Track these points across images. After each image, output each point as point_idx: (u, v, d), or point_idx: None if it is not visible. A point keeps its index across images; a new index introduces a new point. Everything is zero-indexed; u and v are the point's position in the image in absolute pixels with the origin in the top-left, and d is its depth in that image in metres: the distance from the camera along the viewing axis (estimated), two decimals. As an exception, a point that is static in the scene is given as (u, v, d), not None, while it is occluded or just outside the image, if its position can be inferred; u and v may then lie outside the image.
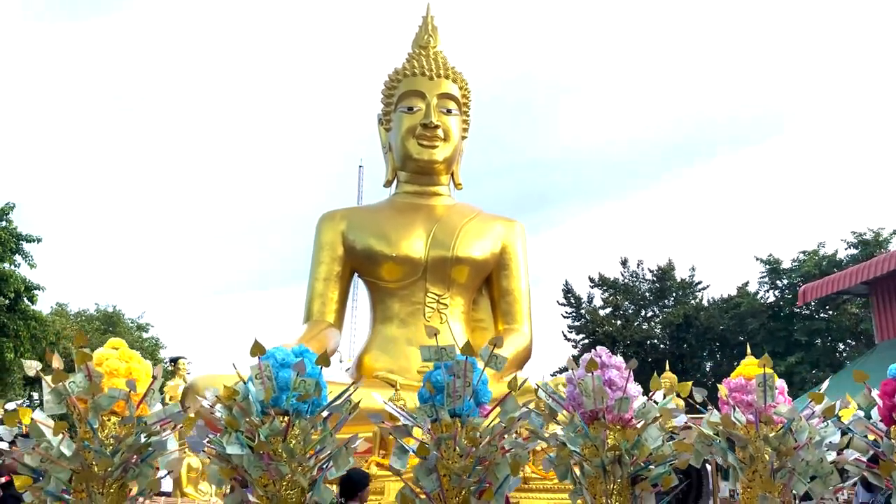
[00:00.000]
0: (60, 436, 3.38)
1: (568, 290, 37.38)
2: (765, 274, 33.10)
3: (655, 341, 35.15)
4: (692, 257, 65.50)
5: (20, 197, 66.26)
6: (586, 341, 35.21)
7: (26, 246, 22.69)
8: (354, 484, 5.17)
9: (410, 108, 14.31)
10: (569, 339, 36.39)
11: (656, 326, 35.86)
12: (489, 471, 3.28)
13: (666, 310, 36.13)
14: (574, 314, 37.05)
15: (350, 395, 3.85)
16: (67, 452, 3.42)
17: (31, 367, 3.44)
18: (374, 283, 14.66)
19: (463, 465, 3.28)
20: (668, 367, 16.37)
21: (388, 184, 15.82)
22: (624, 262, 38.04)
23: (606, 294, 36.97)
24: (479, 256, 14.29)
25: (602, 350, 3.76)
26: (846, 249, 31.08)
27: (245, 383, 3.75)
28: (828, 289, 23.02)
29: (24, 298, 21.03)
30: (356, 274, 14.77)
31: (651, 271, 37.62)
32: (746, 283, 34.39)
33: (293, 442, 3.50)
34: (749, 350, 17.18)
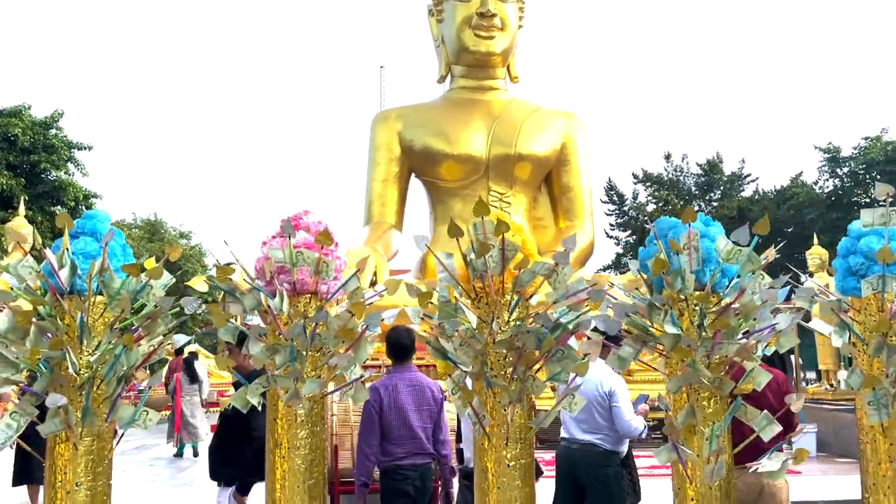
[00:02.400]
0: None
1: (611, 187, 37.12)
2: (823, 162, 32.38)
3: (707, 236, 34.93)
4: (741, 149, 63.72)
5: (65, 104, 66.62)
6: (632, 238, 35.28)
7: (77, 154, 22.76)
8: (402, 346, 4.61)
9: (464, -4, 13.91)
10: (610, 237, 36.56)
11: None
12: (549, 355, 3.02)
13: (713, 203, 35.79)
14: (617, 211, 36.96)
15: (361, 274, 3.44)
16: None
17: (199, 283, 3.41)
18: (433, 183, 14.72)
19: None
20: (815, 240, 15.41)
21: (441, 79, 15.52)
22: (668, 157, 37.53)
23: (651, 190, 36.69)
24: (542, 153, 14.19)
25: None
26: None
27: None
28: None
29: (83, 206, 21.30)
30: (413, 174, 14.80)
31: (699, 165, 37.05)
32: (800, 174, 33.85)
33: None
34: (816, 240, 16.96)
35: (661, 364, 3.12)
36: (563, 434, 4.87)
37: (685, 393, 3.04)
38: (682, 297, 2.97)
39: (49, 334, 3.08)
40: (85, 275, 3.10)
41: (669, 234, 3.14)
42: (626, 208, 36.87)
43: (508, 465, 3.00)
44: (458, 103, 14.58)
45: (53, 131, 22.34)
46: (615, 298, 3.25)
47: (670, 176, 37.06)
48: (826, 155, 32.32)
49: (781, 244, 3.96)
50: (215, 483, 5.82)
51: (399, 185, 14.51)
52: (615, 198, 37.09)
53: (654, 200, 36.32)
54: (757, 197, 35.09)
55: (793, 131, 67.45)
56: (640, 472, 5.11)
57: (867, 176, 30.41)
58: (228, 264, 3.25)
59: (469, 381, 3.22)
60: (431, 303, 3.16)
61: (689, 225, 3.06)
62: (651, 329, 3.08)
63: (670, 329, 2.93)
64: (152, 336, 3.24)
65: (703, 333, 2.94)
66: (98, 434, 3.14)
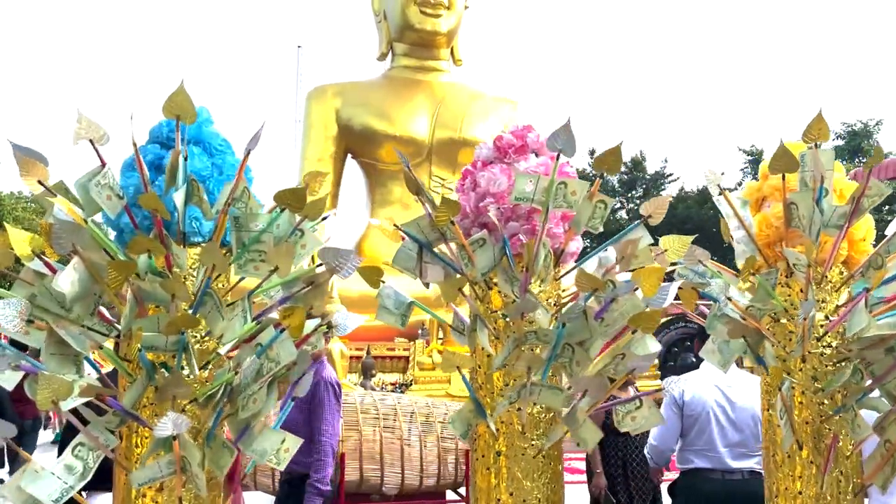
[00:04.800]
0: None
1: (539, 180, 37.69)
2: (746, 164, 33.78)
3: (629, 232, 36.14)
4: (664, 149, 65.94)
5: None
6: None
7: None
8: None
9: (410, -30, 13.61)
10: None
11: (629, 217, 36.64)
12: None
13: (636, 201, 36.99)
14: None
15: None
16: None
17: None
18: (372, 165, 14.37)
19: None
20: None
21: (382, 57, 15.18)
22: (592, 153, 38.43)
23: None
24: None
25: None
26: (833, 140, 31.83)
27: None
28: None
29: None
30: (350, 155, 14.43)
31: (623, 162, 38.21)
32: (723, 174, 35.33)
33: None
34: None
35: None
36: (696, 463, 3.76)
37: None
38: None
39: (160, 306, 2.02)
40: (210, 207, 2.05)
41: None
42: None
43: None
44: (400, 83, 14.33)
45: None
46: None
47: (593, 172, 38.15)
48: (749, 157, 33.76)
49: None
50: None
51: (335, 166, 14.17)
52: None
53: (580, 195, 37.42)
54: (681, 195, 36.29)
55: (716, 133, 70.30)
56: None
57: (786, 179, 31.97)
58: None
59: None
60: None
61: None
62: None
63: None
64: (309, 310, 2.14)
65: None
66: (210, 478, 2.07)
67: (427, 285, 2.52)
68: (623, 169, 37.54)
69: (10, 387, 1.98)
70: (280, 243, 2.06)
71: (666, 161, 38.68)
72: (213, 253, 1.87)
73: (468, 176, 2.40)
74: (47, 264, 2.04)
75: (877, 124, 32.01)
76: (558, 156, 2.16)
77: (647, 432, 4.79)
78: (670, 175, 37.47)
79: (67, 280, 1.86)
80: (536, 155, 2.37)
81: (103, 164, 2.04)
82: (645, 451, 4.33)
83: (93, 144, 2.04)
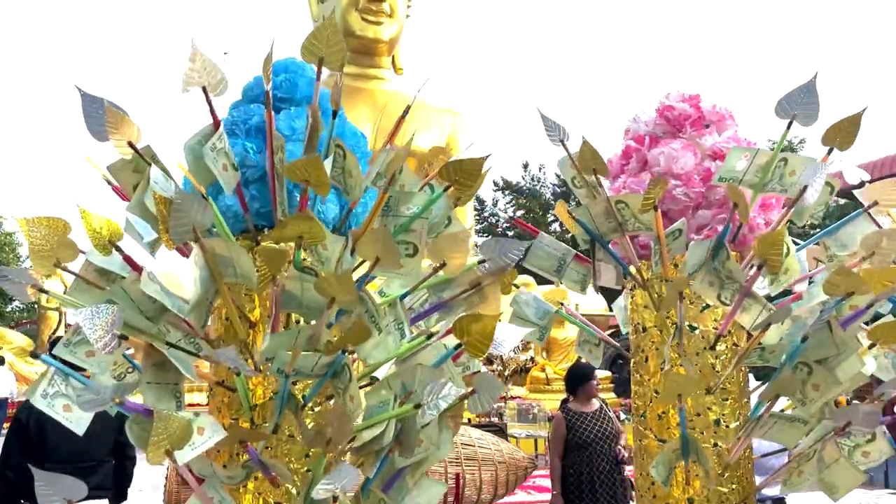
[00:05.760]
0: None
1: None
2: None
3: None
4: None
5: None
6: (492, 244, 36.72)
7: None
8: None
9: (352, -24, 13.24)
10: (468, 244, 37.48)
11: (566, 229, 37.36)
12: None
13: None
14: (477, 217, 38.02)
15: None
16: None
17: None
18: (311, 177, 13.80)
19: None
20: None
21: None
22: (525, 166, 39.18)
23: (510, 198, 38.33)
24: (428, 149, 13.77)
25: None
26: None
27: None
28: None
29: None
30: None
31: (556, 175, 38.95)
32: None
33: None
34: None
35: None
36: None
37: None
38: None
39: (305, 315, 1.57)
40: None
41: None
42: (485, 214, 38.23)
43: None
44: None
45: None
46: None
47: (528, 185, 38.89)
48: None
49: None
50: None
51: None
52: (475, 203, 38.21)
53: (513, 207, 38.07)
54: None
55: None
56: None
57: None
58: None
59: None
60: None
61: None
62: None
63: None
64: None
65: None
66: None
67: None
68: (556, 181, 38.11)
69: (80, 431, 1.44)
70: (441, 232, 1.59)
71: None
72: (382, 239, 1.38)
73: (632, 154, 2.00)
74: (128, 260, 1.51)
75: (800, 142, 33.64)
76: (790, 123, 1.77)
77: (611, 444, 4.83)
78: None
79: (189, 278, 1.34)
80: (706, 127, 2.00)
81: (217, 124, 1.53)
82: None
83: (206, 94, 1.54)
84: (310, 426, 1.41)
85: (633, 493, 4.55)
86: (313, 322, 1.42)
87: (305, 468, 1.49)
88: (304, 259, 1.50)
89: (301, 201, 1.53)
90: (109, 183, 1.80)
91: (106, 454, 4.41)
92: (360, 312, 1.47)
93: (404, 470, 1.55)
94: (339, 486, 1.30)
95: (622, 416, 10.74)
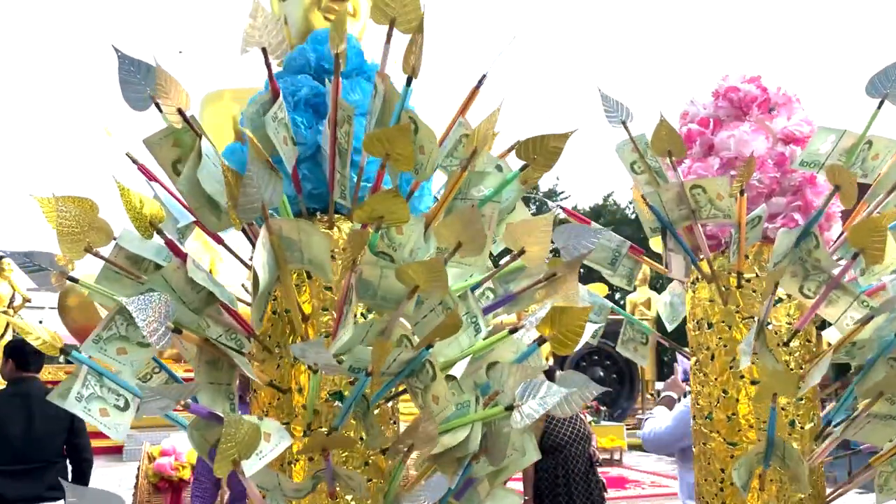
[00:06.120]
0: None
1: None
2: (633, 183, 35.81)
3: (523, 251, 37.48)
4: (555, 168, 66.98)
5: None
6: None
7: None
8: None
9: (314, -26, 13.04)
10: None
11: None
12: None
13: (528, 217, 38.25)
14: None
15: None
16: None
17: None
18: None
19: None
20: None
21: (281, 63, 14.34)
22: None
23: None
24: (396, 150, 13.57)
25: None
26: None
27: None
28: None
29: None
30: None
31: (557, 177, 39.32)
32: (612, 193, 37.51)
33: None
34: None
35: None
36: None
37: None
38: None
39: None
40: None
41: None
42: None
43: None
44: (305, 90, 13.66)
45: None
46: None
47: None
48: (637, 175, 35.84)
49: None
50: None
51: (233, 177, 13.24)
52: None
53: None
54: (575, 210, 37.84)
55: (604, 152, 73.03)
56: None
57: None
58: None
59: None
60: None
61: None
62: None
63: None
64: None
65: None
66: None
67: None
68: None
69: (120, 437, 1.27)
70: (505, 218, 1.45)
71: (558, 179, 39.77)
72: (468, 221, 1.23)
73: (695, 139, 1.89)
74: (170, 244, 1.33)
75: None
76: (881, 102, 1.68)
77: (586, 448, 4.76)
78: (562, 192, 38.60)
79: (259, 263, 1.17)
80: (772, 111, 1.91)
81: (276, 92, 1.37)
82: (644, 434, 3.76)
83: (265, 56, 1.37)
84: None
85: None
86: (384, 315, 1.28)
87: (367, 478, 1.34)
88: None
89: (377, 178, 1.39)
90: (134, 161, 1.64)
91: (55, 455, 4.30)
92: (434, 304, 1.32)
93: (476, 479, 1.41)
94: (428, 501, 1.16)
95: (589, 418, 10.72)
